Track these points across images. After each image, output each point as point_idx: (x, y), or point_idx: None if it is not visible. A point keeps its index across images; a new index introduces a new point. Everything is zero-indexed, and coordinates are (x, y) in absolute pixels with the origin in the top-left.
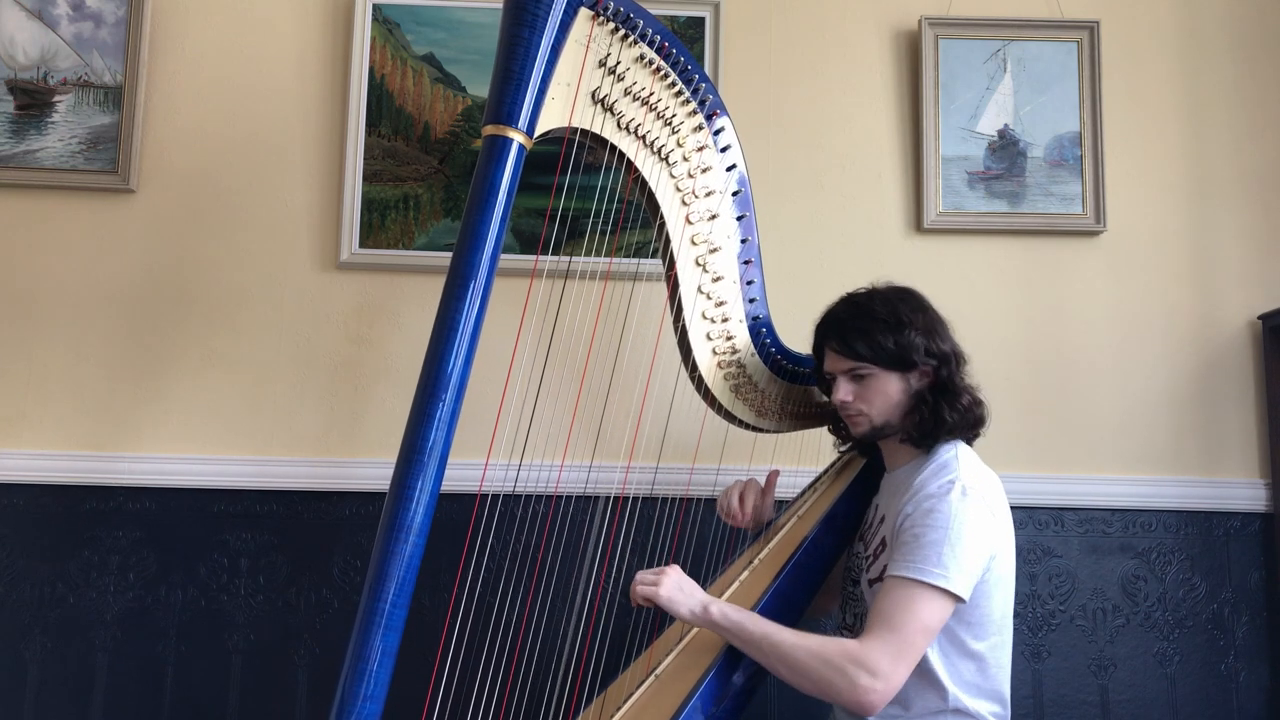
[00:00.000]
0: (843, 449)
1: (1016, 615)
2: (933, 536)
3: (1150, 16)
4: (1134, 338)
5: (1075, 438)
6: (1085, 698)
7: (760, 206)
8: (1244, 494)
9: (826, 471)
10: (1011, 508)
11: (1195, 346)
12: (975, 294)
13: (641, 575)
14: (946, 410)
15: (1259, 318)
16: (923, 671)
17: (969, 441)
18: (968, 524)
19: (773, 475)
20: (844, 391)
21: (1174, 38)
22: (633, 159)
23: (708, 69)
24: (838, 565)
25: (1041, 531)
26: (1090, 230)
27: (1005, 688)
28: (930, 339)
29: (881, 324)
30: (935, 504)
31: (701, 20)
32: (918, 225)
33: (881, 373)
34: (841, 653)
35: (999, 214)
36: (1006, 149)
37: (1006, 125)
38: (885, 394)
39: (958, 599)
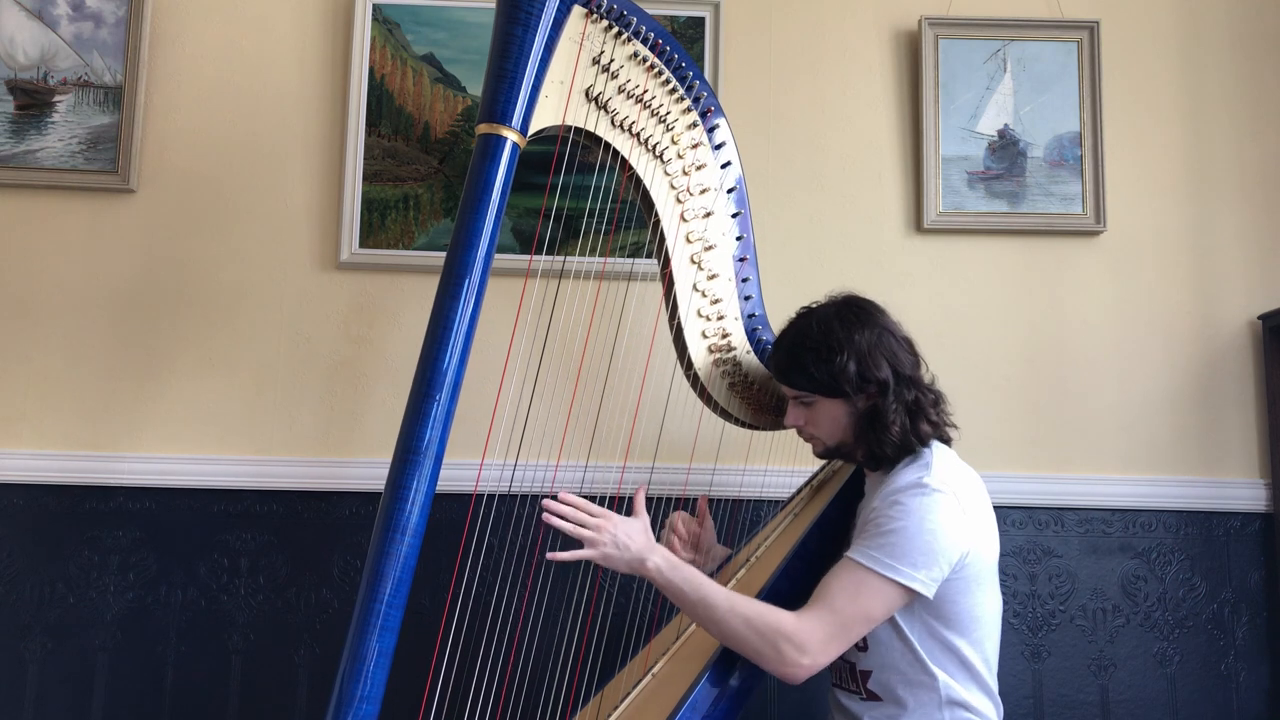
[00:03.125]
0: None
1: (1016, 615)
2: (890, 527)
3: (1150, 16)
4: (1134, 338)
5: (1075, 438)
6: (1085, 698)
7: (760, 206)
8: (1244, 494)
9: (821, 470)
10: (1011, 508)
11: (1195, 346)
12: (975, 294)
13: (575, 518)
14: (874, 442)
15: (1259, 318)
16: (915, 666)
17: (945, 440)
18: (929, 520)
19: (701, 501)
20: (793, 417)
21: (1174, 38)
22: (627, 156)
23: (707, 69)
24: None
25: (1041, 531)
26: (1090, 230)
27: (993, 682)
28: (865, 365)
29: (812, 353)
30: (900, 498)
31: (701, 20)
32: (918, 225)
33: (823, 399)
34: (775, 626)
35: (999, 214)
36: (1006, 149)
37: (1006, 125)
38: (831, 418)
39: (912, 593)
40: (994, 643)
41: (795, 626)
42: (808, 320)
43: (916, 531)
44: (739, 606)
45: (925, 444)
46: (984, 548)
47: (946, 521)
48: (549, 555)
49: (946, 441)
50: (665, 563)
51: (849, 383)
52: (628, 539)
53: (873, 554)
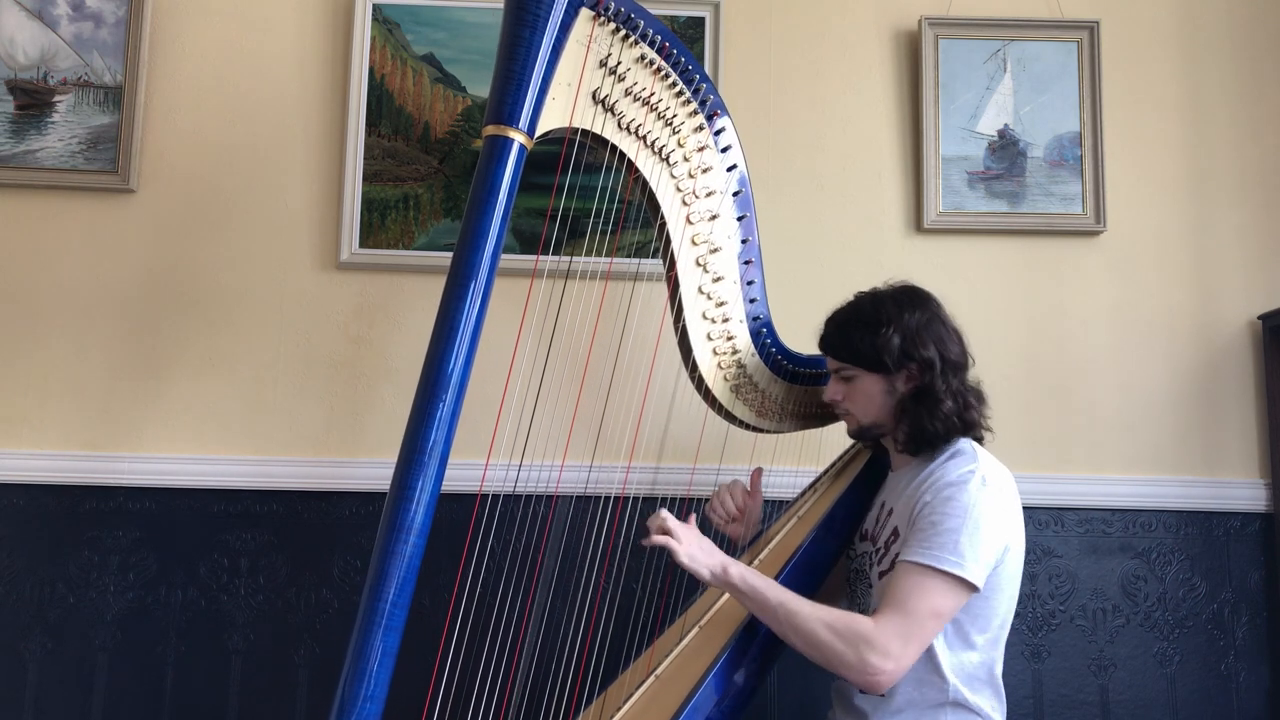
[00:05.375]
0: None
1: (1016, 615)
2: (951, 524)
3: (1150, 16)
4: (1134, 338)
5: (1075, 438)
6: (1085, 698)
7: (760, 206)
8: (1244, 494)
9: (827, 471)
10: None
11: (1195, 346)
12: (975, 294)
13: (662, 519)
14: (926, 418)
15: (1259, 318)
16: (925, 662)
17: (979, 440)
18: (985, 514)
19: (756, 473)
20: (832, 390)
21: (1174, 38)
22: (633, 159)
23: (708, 69)
24: (838, 568)
25: (1041, 531)
26: (1090, 230)
27: (1000, 681)
28: (911, 342)
29: (860, 326)
30: (955, 492)
31: (701, 20)
32: (918, 225)
33: (863, 374)
34: (855, 630)
35: (999, 214)
36: (1006, 149)
37: (1006, 125)
38: (868, 395)
39: (972, 587)
40: (1004, 642)
41: (874, 631)
42: (863, 298)
43: (975, 526)
44: (820, 612)
45: (969, 432)
46: (1018, 545)
47: (996, 515)
48: (644, 541)
49: (980, 442)
50: (748, 571)
51: (890, 356)
52: (710, 545)
53: (935, 552)
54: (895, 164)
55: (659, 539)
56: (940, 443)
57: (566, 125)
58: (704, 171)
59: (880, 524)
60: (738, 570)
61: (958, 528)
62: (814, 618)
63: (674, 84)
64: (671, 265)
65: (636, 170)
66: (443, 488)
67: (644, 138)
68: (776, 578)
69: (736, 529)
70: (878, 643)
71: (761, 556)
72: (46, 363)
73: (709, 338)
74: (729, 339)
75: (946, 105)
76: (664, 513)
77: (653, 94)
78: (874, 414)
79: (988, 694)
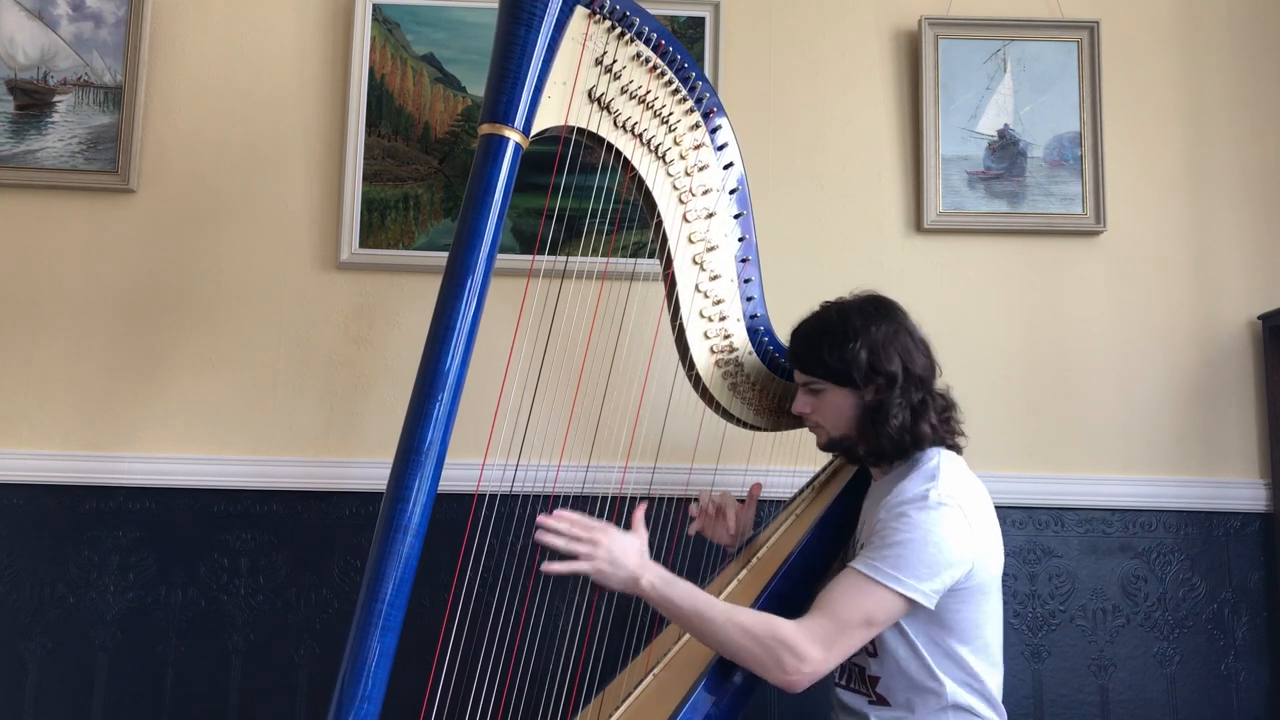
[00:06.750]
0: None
1: (1016, 615)
2: (895, 539)
3: (1150, 16)
4: (1134, 338)
5: (1075, 438)
6: (1085, 698)
7: (760, 207)
8: (1244, 494)
9: (823, 471)
10: (1011, 508)
11: (1195, 346)
12: (975, 294)
13: (570, 533)
14: (872, 435)
15: (1259, 318)
16: (923, 672)
17: (954, 448)
18: (934, 534)
19: (755, 487)
20: (800, 404)
21: (1174, 38)
22: (629, 157)
23: (707, 69)
24: (833, 571)
25: (1041, 531)
26: (1090, 230)
27: (996, 689)
28: (877, 356)
29: (828, 339)
30: (906, 510)
31: (701, 20)
32: (918, 225)
33: (832, 387)
34: (772, 633)
35: (999, 214)
36: (1006, 149)
37: (1006, 125)
38: (837, 408)
39: (913, 603)
40: (997, 649)
41: (795, 634)
42: (829, 310)
43: (922, 545)
44: (736, 616)
45: (921, 446)
46: (988, 560)
47: (951, 535)
48: (544, 566)
49: (956, 450)
50: (659, 580)
51: (859, 371)
52: (622, 556)
53: (876, 565)
54: (895, 164)
55: (560, 567)
56: (894, 458)
57: (562, 124)
58: (700, 169)
59: (860, 534)
60: (648, 581)
61: (903, 543)
62: (731, 623)
63: (670, 82)
64: (668, 263)
65: (633, 168)
66: (440, 488)
67: (640, 136)
68: (769, 582)
69: (725, 537)
70: (797, 647)
71: (760, 554)
72: (46, 363)
73: (706, 336)
74: (726, 337)
75: (946, 105)
76: (561, 516)
77: (649, 92)
78: (843, 427)
79: (983, 703)
